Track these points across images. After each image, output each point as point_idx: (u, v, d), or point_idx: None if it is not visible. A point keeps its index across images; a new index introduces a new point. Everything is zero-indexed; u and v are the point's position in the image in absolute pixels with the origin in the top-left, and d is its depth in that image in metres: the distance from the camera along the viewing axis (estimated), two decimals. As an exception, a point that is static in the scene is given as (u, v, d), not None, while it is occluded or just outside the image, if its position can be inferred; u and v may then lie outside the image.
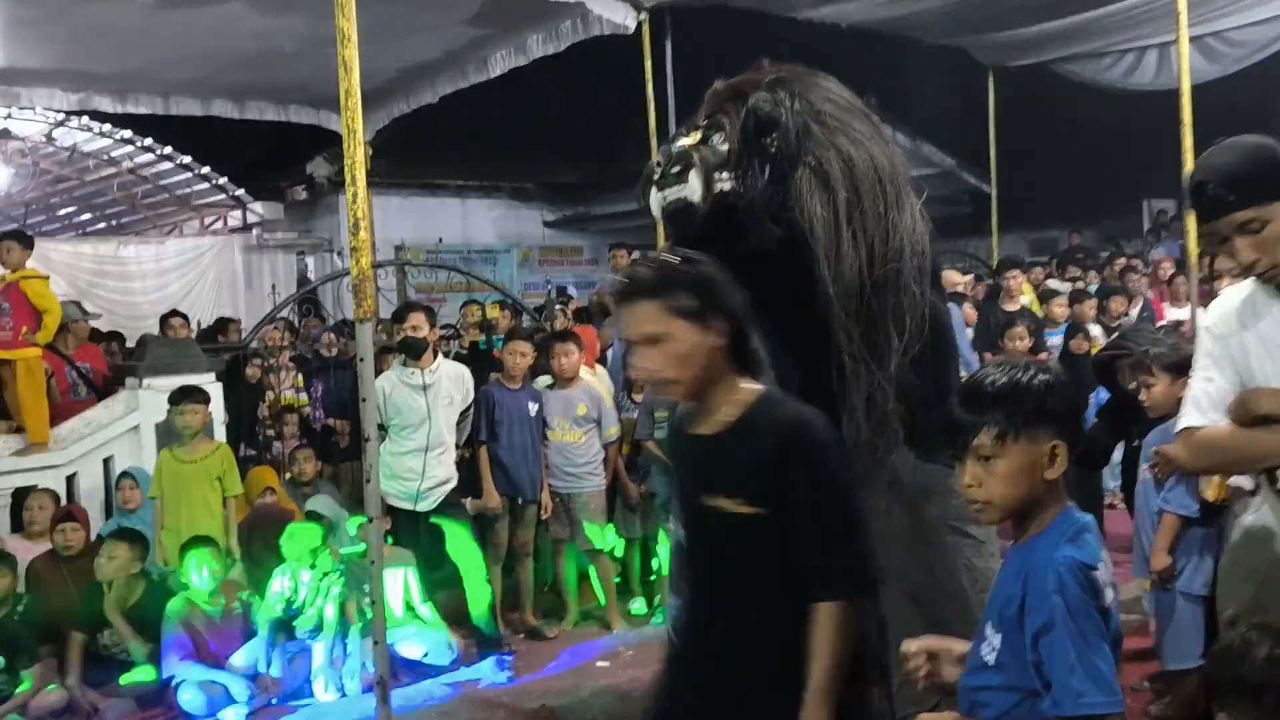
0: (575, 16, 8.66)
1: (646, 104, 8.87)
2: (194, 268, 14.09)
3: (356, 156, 3.29)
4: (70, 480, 6.51)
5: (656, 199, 3.01)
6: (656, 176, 2.98)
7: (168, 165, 13.95)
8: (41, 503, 6.09)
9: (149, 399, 6.59)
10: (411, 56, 9.76)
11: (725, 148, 2.88)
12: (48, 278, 6.86)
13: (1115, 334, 8.60)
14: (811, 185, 2.77)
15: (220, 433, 6.69)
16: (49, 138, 13.27)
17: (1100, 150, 16.67)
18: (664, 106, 8.97)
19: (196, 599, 5.54)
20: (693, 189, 2.86)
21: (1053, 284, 9.98)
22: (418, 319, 5.98)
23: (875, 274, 2.77)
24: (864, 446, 2.79)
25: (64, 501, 6.28)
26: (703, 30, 9.83)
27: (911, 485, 2.96)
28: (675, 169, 2.92)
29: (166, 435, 6.37)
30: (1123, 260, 11.29)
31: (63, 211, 16.44)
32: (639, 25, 8.69)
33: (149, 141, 13.30)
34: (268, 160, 14.84)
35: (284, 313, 9.18)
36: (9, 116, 12.19)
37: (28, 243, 6.75)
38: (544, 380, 6.64)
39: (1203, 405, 2.59)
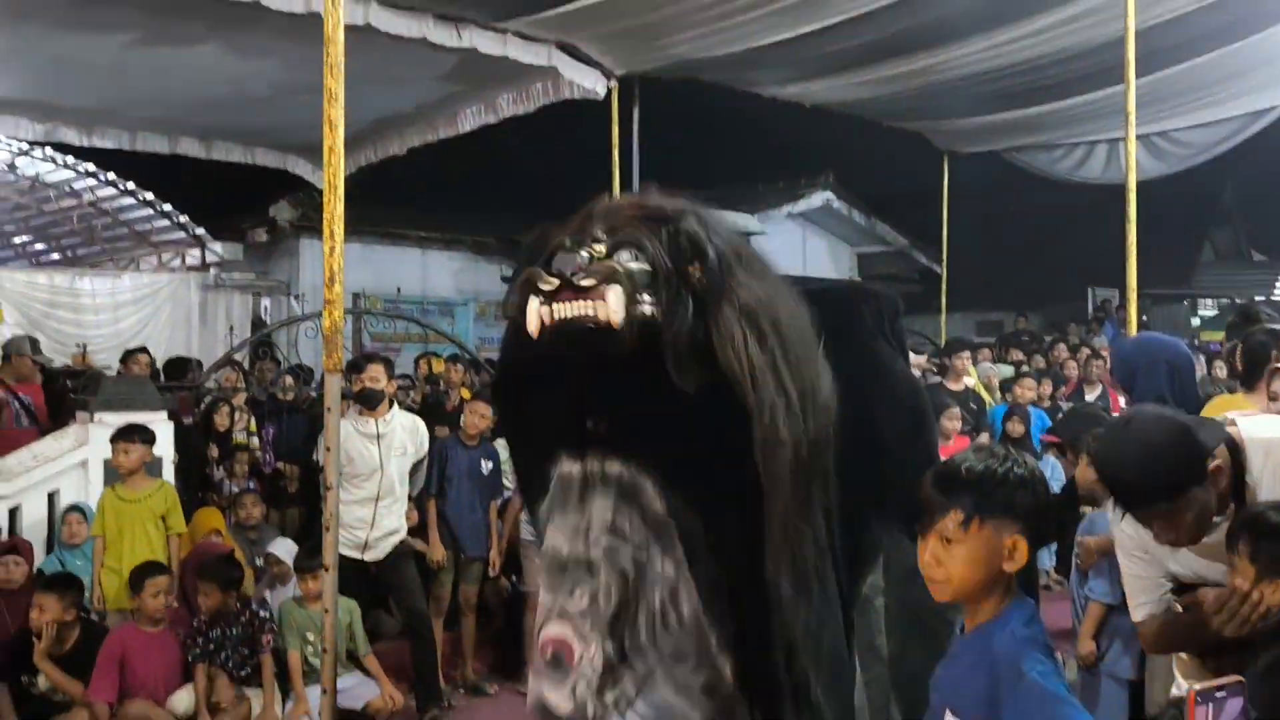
0: (547, 80, 8.81)
1: (611, 168, 9.05)
2: (149, 304, 13.95)
3: (336, 211, 3.35)
4: (13, 513, 6.43)
5: (540, 312, 2.46)
6: (549, 287, 2.44)
7: (129, 200, 13.88)
8: (-19, 535, 6.01)
9: (99, 434, 6.54)
10: (383, 108, 9.85)
11: (644, 268, 2.47)
12: (-4, 305, 6.83)
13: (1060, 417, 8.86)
14: (744, 328, 2.45)
15: (169, 472, 6.65)
16: (11, 166, 13.19)
17: (1049, 237, 17.10)
18: (629, 172, 9.17)
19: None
20: (613, 309, 2.40)
21: (987, 366, 10.21)
22: (377, 370, 6.01)
23: (811, 431, 2.50)
24: (788, 604, 2.56)
25: (5, 534, 6.21)
26: (670, 101, 10.03)
27: (900, 566, 2.79)
28: (586, 281, 2.41)
29: (115, 472, 6.33)
30: (1062, 346, 11.61)
31: (18, 240, 16.27)
32: (609, 92, 8.89)
33: (112, 176, 13.26)
34: (229, 200, 14.81)
35: (238, 355, 9.18)
36: (-28, 145, 12.13)
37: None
38: None
39: (1149, 595, 2.81)
